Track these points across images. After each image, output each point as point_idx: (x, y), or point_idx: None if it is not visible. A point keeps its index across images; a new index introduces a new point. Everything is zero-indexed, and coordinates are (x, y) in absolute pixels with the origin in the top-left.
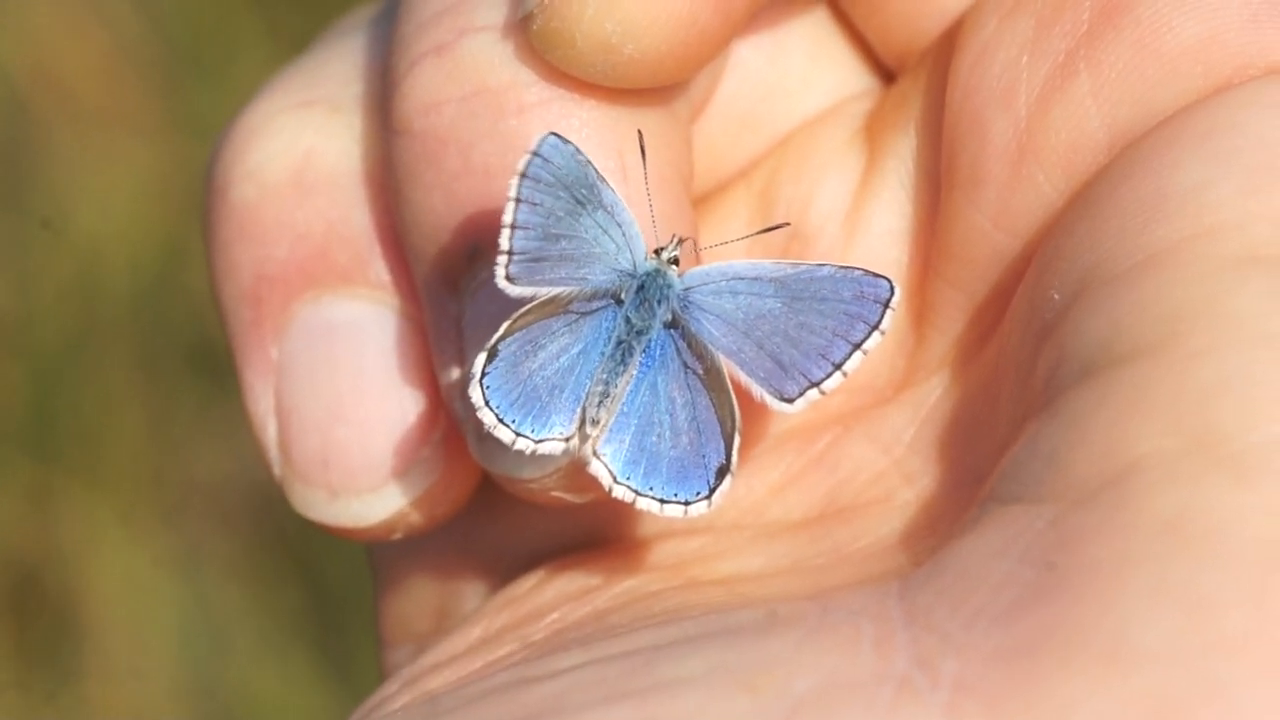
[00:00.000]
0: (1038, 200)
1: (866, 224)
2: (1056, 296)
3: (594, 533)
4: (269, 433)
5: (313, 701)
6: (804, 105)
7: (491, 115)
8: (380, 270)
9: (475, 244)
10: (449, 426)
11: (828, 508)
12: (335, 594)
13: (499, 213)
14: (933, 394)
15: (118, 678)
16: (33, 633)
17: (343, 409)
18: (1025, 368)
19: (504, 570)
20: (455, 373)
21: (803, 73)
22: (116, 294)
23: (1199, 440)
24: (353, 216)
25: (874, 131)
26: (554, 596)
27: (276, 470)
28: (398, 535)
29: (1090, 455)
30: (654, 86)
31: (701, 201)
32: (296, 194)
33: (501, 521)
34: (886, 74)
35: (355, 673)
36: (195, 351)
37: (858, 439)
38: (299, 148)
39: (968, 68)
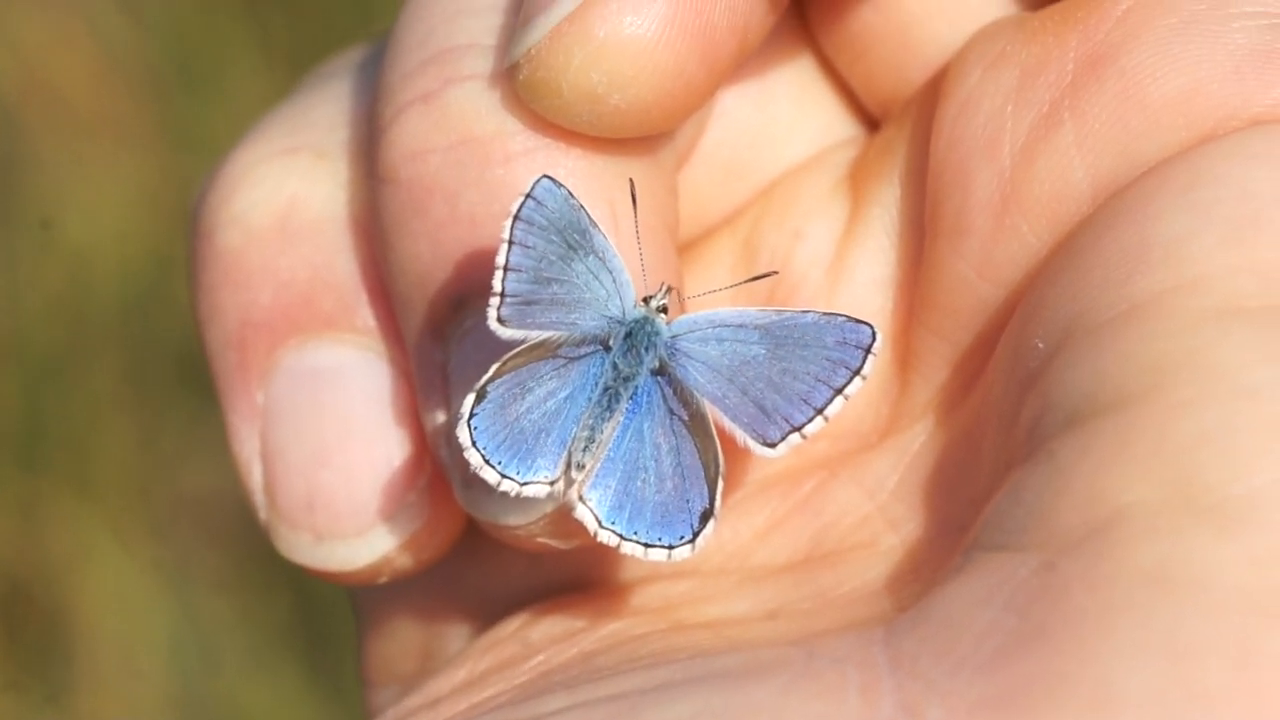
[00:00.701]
0: (1021, 250)
1: (850, 272)
2: (1040, 345)
3: (579, 576)
4: (254, 476)
5: (302, 714)
6: (789, 153)
7: (478, 164)
8: (365, 316)
9: (461, 292)
10: (435, 471)
11: (812, 552)
12: (324, 607)
13: (485, 261)
14: (917, 440)
15: (107, 690)
16: (22, 645)
17: (328, 453)
18: (1009, 416)
19: (489, 612)
20: (441, 419)
21: (788, 120)
22: (106, 305)
23: (1181, 491)
24: (338, 263)
25: (858, 180)
26: (539, 639)
27: (261, 514)
28: (383, 580)
29: (1073, 505)
30: (640, 136)
31: (687, 249)
32: (281, 240)
33: (486, 564)
34: (871, 122)
35: (344, 686)
36: (184, 363)
37: (843, 484)
38: (284, 194)
39: (952, 117)
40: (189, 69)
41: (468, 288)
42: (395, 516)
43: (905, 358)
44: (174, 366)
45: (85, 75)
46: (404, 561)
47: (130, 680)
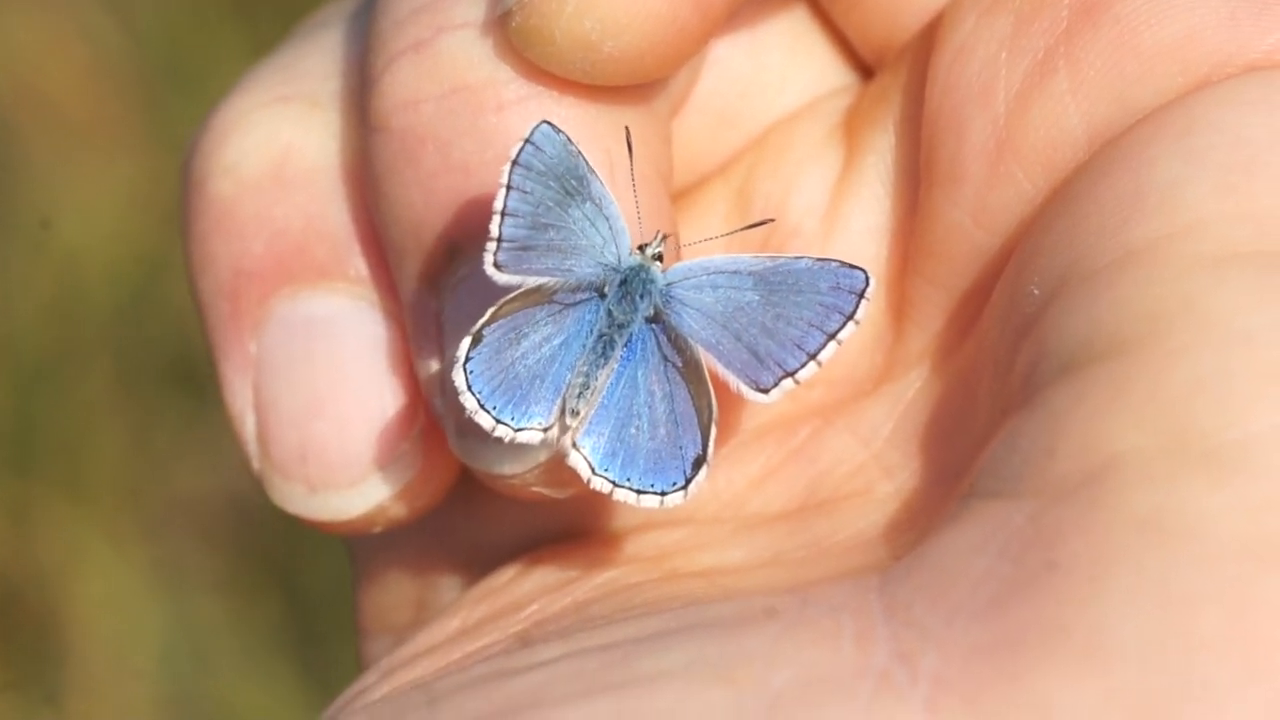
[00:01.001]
0: (1016, 197)
1: (845, 220)
2: (1035, 292)
3: (573, 524)
4: (247, 427)
5: (295, 715)
6: (782, 101)
7: (470, 112)
8: (359, 265)
9: (455, 240)
10: (428, 420)
11: (807, 500)
12: (316, 607)
13: (478, 209)
14: (911, 388)
15: (100, 692)
16: (15, 647)
17: (321, 404)
18: (1004, 363)
19: (483, 562)
20: (434, 368)
21: (781, 69)
22: (97, 308)
23: (1176, 438)
24: (331, 212)
25: (852, 128)
26: (533, 588)
27: (255, 464)
28: (377, 529)
29: (1068, 452)
30: (633, 84)
31: (680, 197)
32: (274, 189)
33: (480, 513)
34: (865, 70)
35: (337, 686)
36: (176, 366)
37: (837, 431)
38: (277, 143)
39: (946, 65)
40: (180, 72)
41: (461, 236)
42: (389, 466)
43: (900, 305)
44: (166, 368)
45: (76, 79)
46: (398, 511)
47: (123, 681)
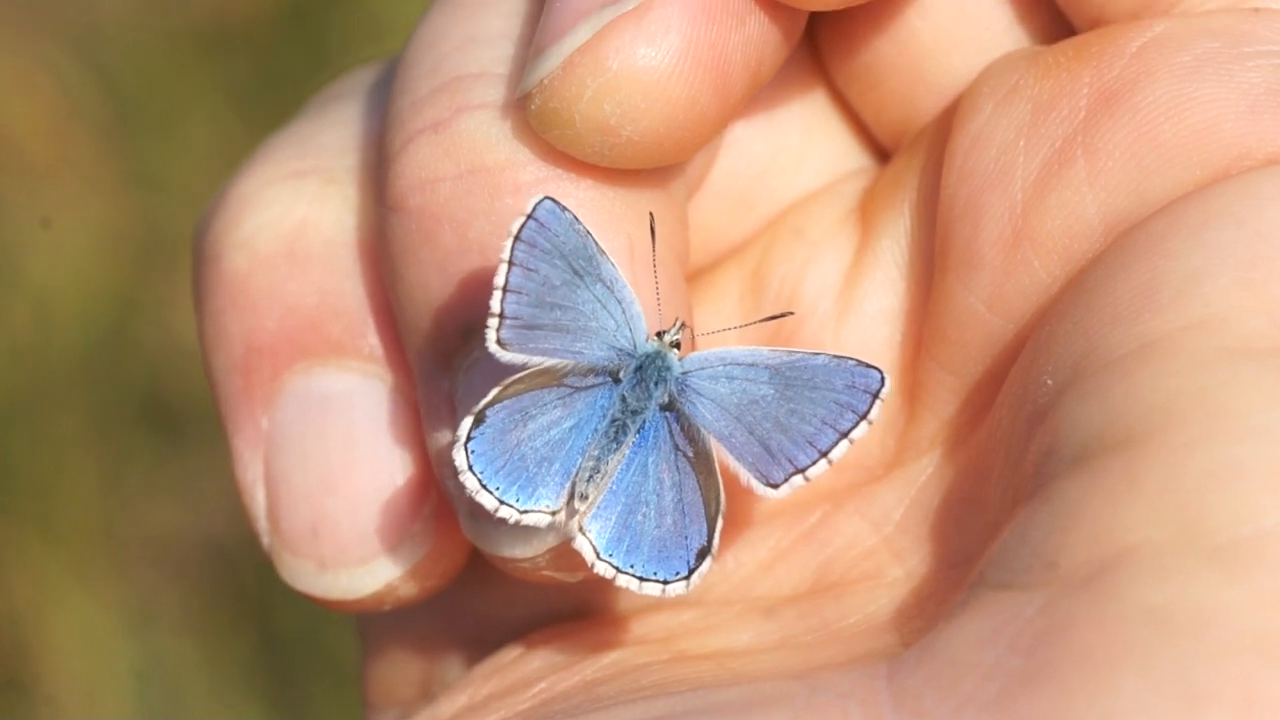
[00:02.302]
0: (1032, 285)
1: (859, 303)
2: (1049, 381)
3: (581, 604)
4: (257, 502)
5: None
6: (799, 183)
7: (488, 194)
8: (372, 342)
9: (470, 321)
10: (440, 499)
11: (817, 584)
12: (287, 646)
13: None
14: (923, 474)
15: None
16: None
17: (333, 480)
18: (1016, 451)
19: (491, 639)
20: (447, 449)
21: (798, 151)
22: (68, 348)
23: (1188, 532)
24: (346, 288)
25: (868, 211)
26: (541, 666)
27: (265, 540)
28: (386, 608)
29: (1080, 543)
30: (652, 167)
31: (694, 278)
32: (289, 265)
33: (488, 591)
34: (881, 153)
35: None
36: (147, 405)
37: (848, 516)
38: (292, 218)
39: (964, 151)
40: (150, 112)
41: (476, 317)
42: (400, 545)
43: (913, 390)
44: (137, 408)
45: (45, 121)
46: (408, 590)
47: None
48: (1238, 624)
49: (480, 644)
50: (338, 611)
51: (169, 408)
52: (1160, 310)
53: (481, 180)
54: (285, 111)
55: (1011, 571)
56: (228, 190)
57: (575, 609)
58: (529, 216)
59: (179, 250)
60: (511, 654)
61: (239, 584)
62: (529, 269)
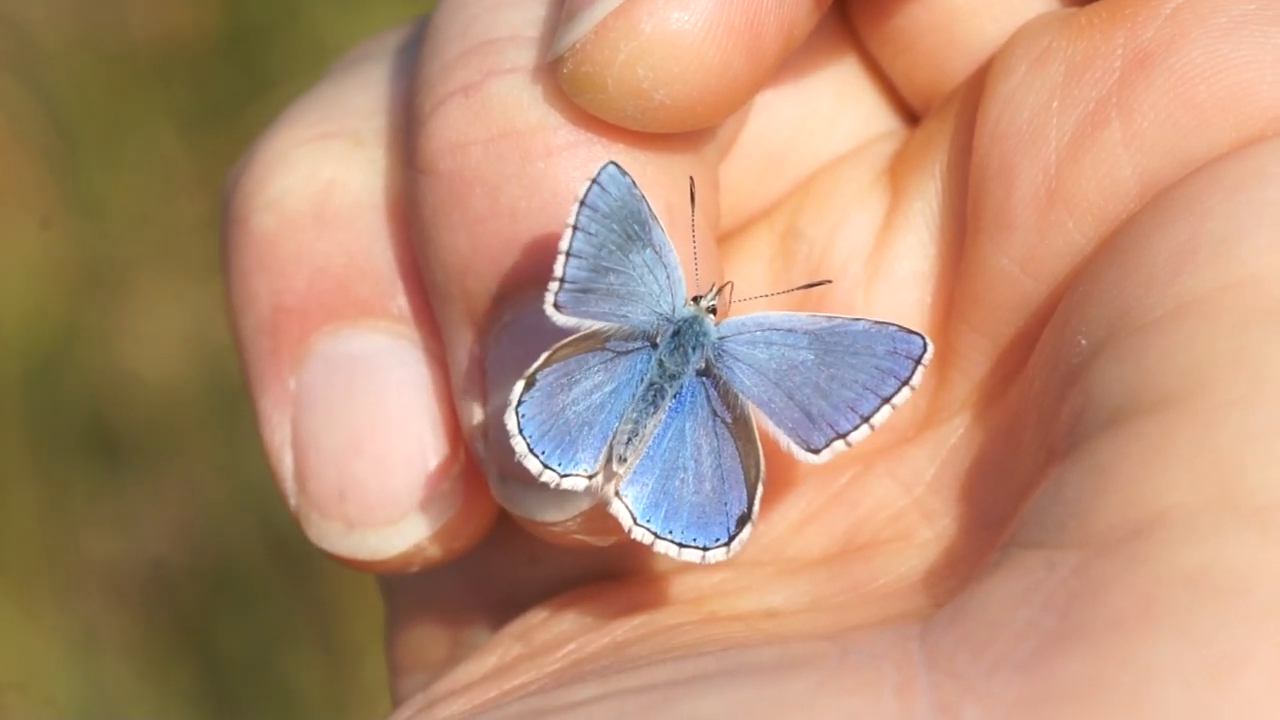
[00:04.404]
0: (1066, 246)
1: (889, 266)
2: (1083, 342)
3: (611, 565)
4: (285, 464)
5: None
6: (829, 146)
7: (519, 158)
8: (401, 304)
9: (500, 286)
10: (468, 460)
11: (848, 545)
12: (232, 673)
13: (525, 254)
14: (954, 435)
15: None
16: None
17: (361, 441)
18: (1049, 412)
19: (519, 601)
20: (477, 413)
21: (828, 114)
22: (9, 375)
23: (1224, 494)
24: (374, 250)
25: (898, 173)
26: (570, 627)
27: (292, 501)
28: (413, 569)
29: (1114, 504)
30: (684, 131)
31: (724, 240)
32: (317, 226)
33: (516, 553)
34: (911, 115)
35: None
36: (89, 431)
37: (879, 477)
38: (320, 179)
39: (996, 112)
40: (91, 136)
41: (507, 281)
42: (428, 506)
43: (944, 352)
44: (78, 435)
45: None
46: (435, 551)
47: None
48: (1274, 586)
49: (508, 606)
50: (366, 572)
51: (110, 434)
52: (1196, 271)
53: (513, 144)
54: (227, 135)
55: (1045, 531)
56: (255, 152)
57: (603, 570)
58: (594, 181)
59: (121, 275)
60: (540, 615)
61: (181, 610)
62: (590, 233)
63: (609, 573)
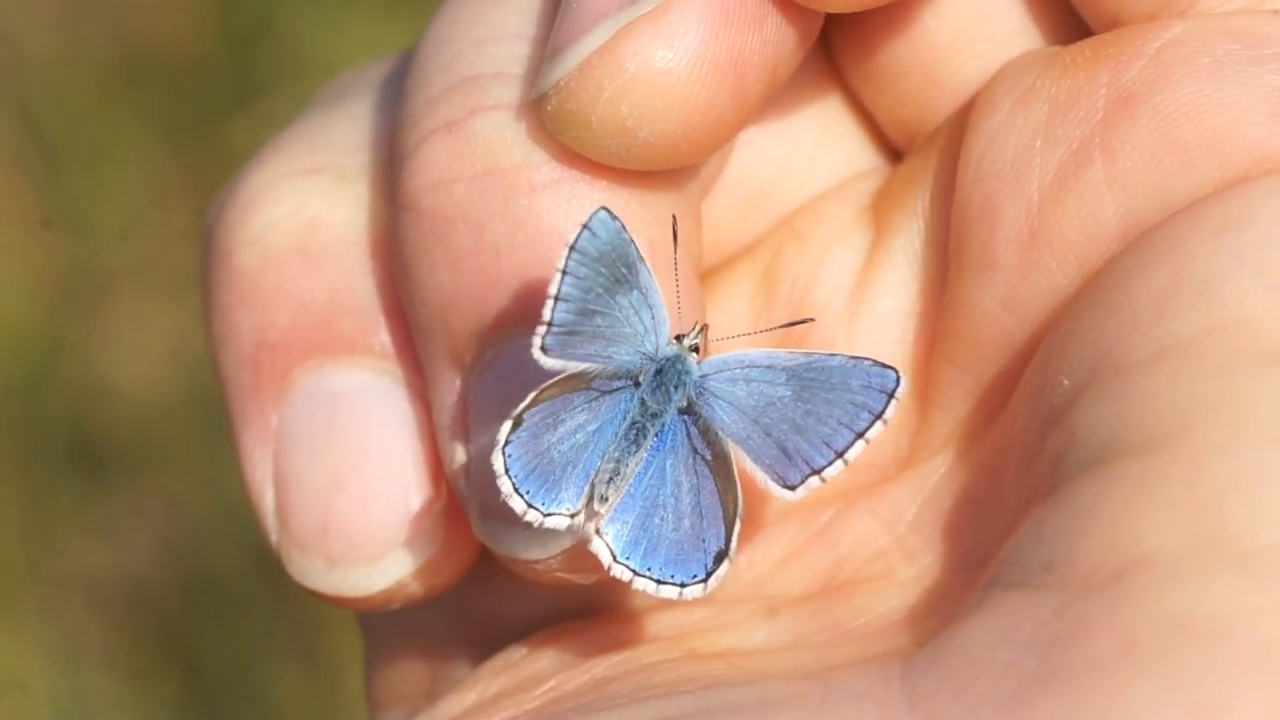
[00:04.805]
0: (1048, 285)
1: (871, 303)
2: (1066, 382)
3: (591, 601)
4: (266, 500)
5: None
6: (811, 183)
7: (502, 195)
8: (384, 340)
9: (483, 324)
10: (450, 497)
11: (829, 583)
12: (214, 686)
13: (507, 293)
14: (936, 473)
15: None
16: None
17: (343, 478)
18: (1030, 452)
19: (499, 637)
20: (459, 451)
21: (810, 151)
22: None
23: (1208, 538)
24: (357, 286)
25: (881, 211)
26: (551, 664)
27: (273, 538)
28: (395, 606)
29: (1097, 546)
30: (667, 169)
31: (706, 277)
32: (300, 261)
33: (496, 588)
34: (894, 153)
35: None
36: (72, 444)
37: (860, 515)
38: (304, 215)
39: (980, 151)
40: (73, 148)
41: (490, 319)
42: (410, 542)
43: (925, 390)
44: (61, 448)
45: None
46: (417, 588)
47: None
48: (1258, 631)
49: (487, 642)
50: (347, 609)
51: (93, 447)
52: (1180, 313)
53: (496, 181)
54: (210, 147)
55: (1025, 571)
56: (238, 185)
57: (584, 606)
58: (585, 226)
59: (103, 287)
60: (520, 651)
61: (164, 623)
62: (578, 278)
63: (589, 609)
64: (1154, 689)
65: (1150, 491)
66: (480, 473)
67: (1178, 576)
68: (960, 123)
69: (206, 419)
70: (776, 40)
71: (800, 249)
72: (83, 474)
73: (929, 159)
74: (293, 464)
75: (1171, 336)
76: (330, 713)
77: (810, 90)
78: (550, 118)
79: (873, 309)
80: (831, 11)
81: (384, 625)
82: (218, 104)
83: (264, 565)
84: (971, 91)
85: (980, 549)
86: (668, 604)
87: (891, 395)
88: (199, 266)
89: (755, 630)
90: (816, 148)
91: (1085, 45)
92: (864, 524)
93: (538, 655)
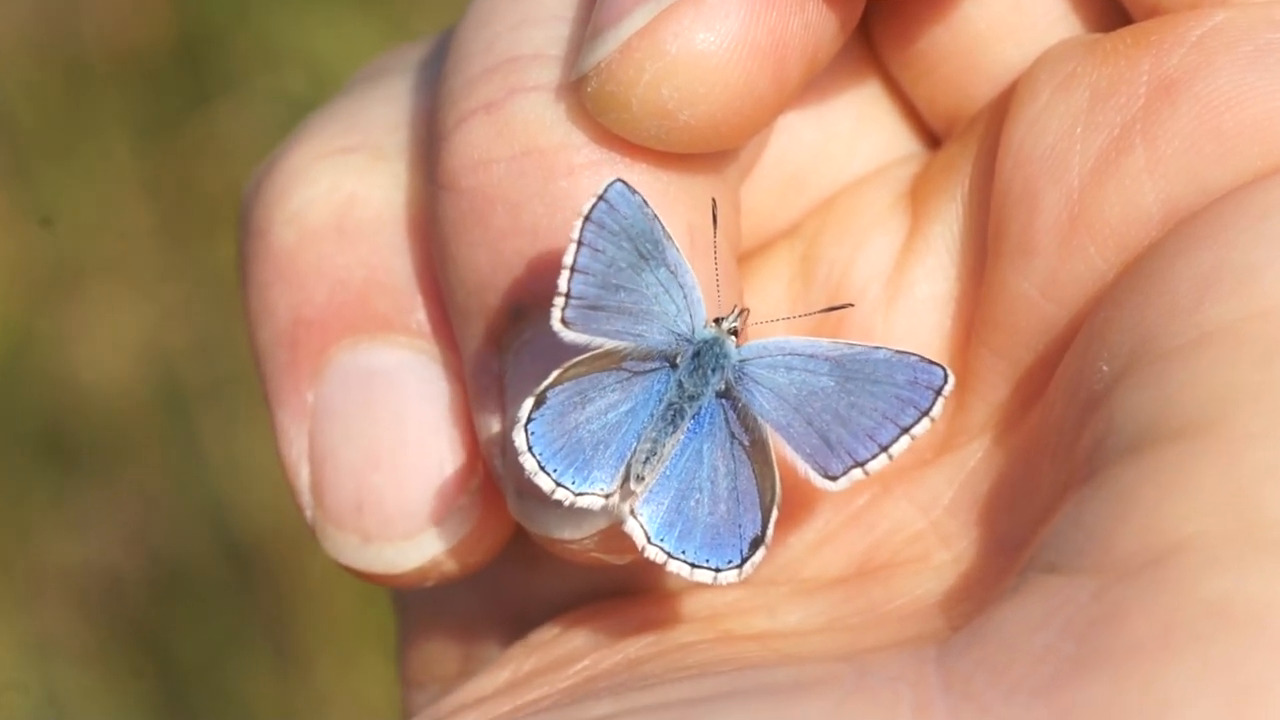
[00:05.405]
0: (1088, 272)
1: (909, 288)
2: (1105, 368)
3: (625, 581)
4: (301, 477)
5: None
6: (849, 168)
7: (541, 176)
8: (421, 319)
9: (521, 303)
10: (486, 475)
11: (864, 566)
12: (187, 678)
13: (546, 272)
14: (972, 458)
15: None
16: None
17: (379, 455)
18: (1069, 437)
19: (532, 616)
20: (495, 429)
21: (849, 136)
22: None
23: (1247, 524)
24: (394, 264)
25: (919, 196)
26: (584, 643)
27: (308, 514)
28: (429, 583)
29: (1135, 531)
30: (706, 152)
31: (744, 260)
32: (338, 239)
33: (530, 568)
34: (932, 139)
35: None
36: (46, 438)
37: (896, 499)
38: (341, 193)
39: (1020, 136)
40: (44, 142)
41: (527, 299)
42: (445, 520)
43: (963, 376)
44: (35, 441)
45: None
46: (451, 565)
47: None
48: None
49: (521, 621)
50: (381, 585)
51: (66, 439)
52: (1221, 300)
53: (535, 162)
54: (180, 141)
55: (1063, 555)
56: (274, 164)
57: (618, 587)
58: (599, 198)
59: (76, 281)
60: (554, 630)
61: (138, 616)
62: (597, 250)
63: (622, 589)
64: (1191, 673)
65: (1189, 478)
66: (513, 450)
67: (1215, 562)
68: (1000, 109)
69: (177, 412)
70: (817, 24)
71: (838, 233)
72: (55, 468)
73: (968, 145)
74: (328, 441)
75: (1211, 323)
76: (299, 706)
77: (848, 75)
78: (590, 99)
79: (910, 294)
80: None
81: (418, 603)
82: (187, 98)
83: (235, 559)
84: (1011, 79)
85: (1016, 534)
86: (702, 585)
87: (939, 392)
88: (237, 250)
89: (790, 613)
90: (854, 133)
91: (1126, 33)
92: (900, 508)
93: (571, 635)
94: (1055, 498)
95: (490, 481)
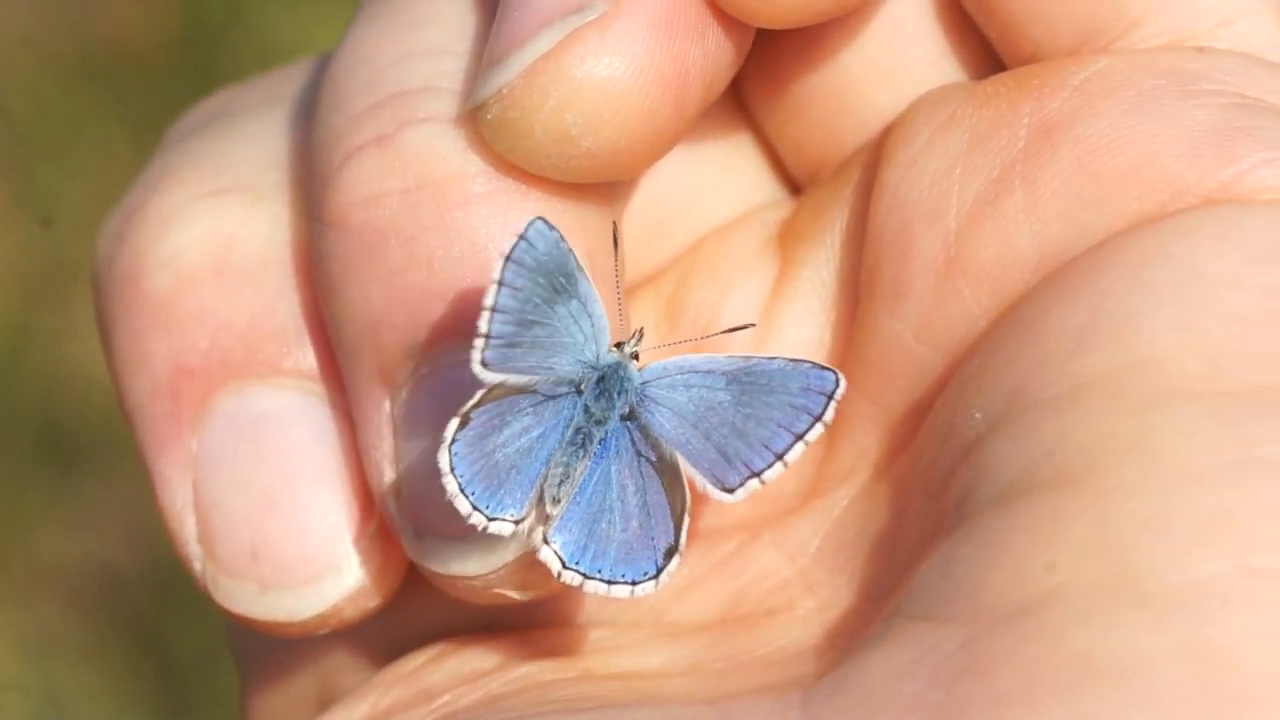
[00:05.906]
0: (962, 316)
1: (779, 332)
2: (978, 415)
3: (487, 616)
4: (187, 527)
5: None
6: (715, 213)
7: (436, 207)
8: (309, 360)
9: (415, 338)
10: (382, 516)
11: (729, 614)
12: (186, 675)
13: (440, 306)
14: (839, 505)
15: None
16: None
17: (273, 500)
18: (939, 485)
19: (393, 649)
20: (388, 470)
21: (714, 181)
22: None
23: (1116, 576)
24: (279, 306)
25: (788, 240)
26: (446, 678)
27: (197, 565)
28: (326, 630)
29: (1004, 580)
30: (601, 182)
31: None
32: (218, 283)
33: (395, 604)
34: (795, 186)
35: None
36: (41, 434)
37: (764, 546)
38: (221, 235)
39: (896, 179)
40: (41, 138)
41: (424, 334)
42: (345, 564)
43: (833, 420)
44: (32, 437)
45: None
46: (351, 611)
47: None
48: (1163, 672)
49: (382, 652)
50: (279, 635)
51: (64, 437)
52: (1096, 349)
53: (430, 194)
54: None
55: (931, 603)
56: (139, 208)
57: (481, 621)
58: (521, 237)
59: (72, 277)
60: (415, 662)
61: (135, 612)
62: (515, 288)
63: (485, 624)
64: None
65: (1059, 528)
66: (413, 490)
67: (1083, 614)
68: (873, 153)
69: None
70: (716, 53)
71: (705, 277)
72: (53, 464)
73: (839, 189)
74: (217, 489)
75: (1086, 373)
76: None
77: (714, 122)
78: (489, 127)
79: (780, 339)
80: (765, 26)
81: (262, 650)
82: (183, 94)
83: None
84: (882, 123)
85: (883, 582)
86: (565, 621)
87: (830, 397)
88: (98, 296)
89: (653, 654)
90: (720, 179)
91: (1008, 76)
92: (768, 555)
93: (433, 668)
94: (923, 545)
95: (386, 523)
